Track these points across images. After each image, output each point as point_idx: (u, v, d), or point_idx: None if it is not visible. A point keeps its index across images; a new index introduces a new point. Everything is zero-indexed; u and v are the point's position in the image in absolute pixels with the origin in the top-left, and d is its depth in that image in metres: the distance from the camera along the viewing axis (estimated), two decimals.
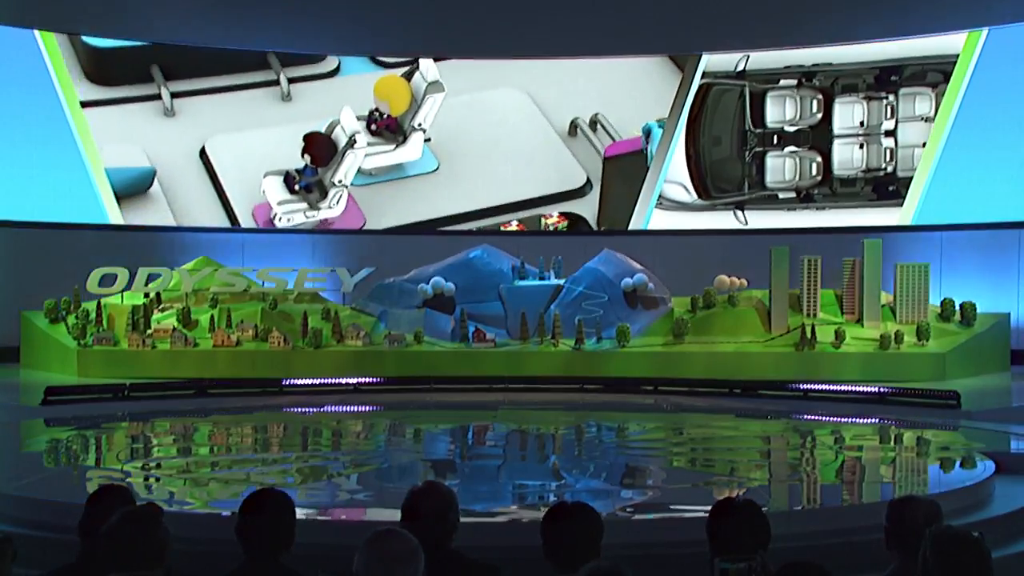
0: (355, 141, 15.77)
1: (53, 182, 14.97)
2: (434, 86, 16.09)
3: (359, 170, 15.98)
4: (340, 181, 15.81)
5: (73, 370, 12.55)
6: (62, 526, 3.56)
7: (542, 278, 13.79)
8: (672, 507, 7.23)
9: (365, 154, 15.92)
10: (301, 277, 13.54)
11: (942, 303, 13.16)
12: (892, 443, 9.97)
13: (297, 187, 15.75)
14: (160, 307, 13.23)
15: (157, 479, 8.02)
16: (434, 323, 13.13)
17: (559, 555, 3.58)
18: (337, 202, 15.81)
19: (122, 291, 13.21)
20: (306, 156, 15.74)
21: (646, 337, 12.94)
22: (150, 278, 13.33)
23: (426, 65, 16.18)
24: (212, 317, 12.94)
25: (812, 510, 7.06)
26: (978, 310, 13.07)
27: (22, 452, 9.66)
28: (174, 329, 12.73)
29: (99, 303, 12.93)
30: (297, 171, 15.81)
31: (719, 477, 8.34)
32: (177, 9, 14.94)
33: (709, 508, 3.76)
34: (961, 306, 13.06)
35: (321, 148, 15.78)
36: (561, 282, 13.58)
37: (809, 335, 12.54)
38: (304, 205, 15.77)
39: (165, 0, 15.06)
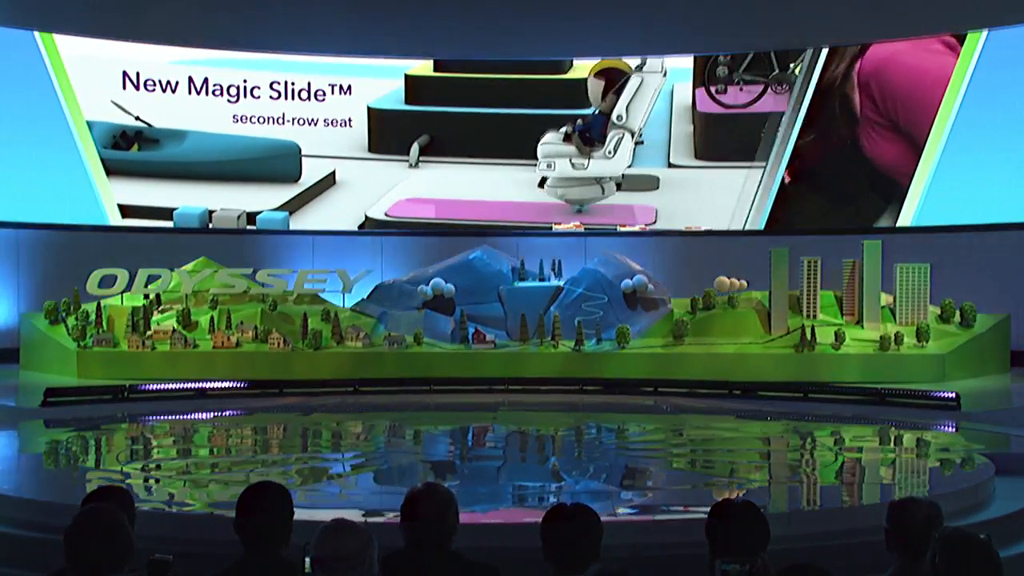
0: (643, 64, 13.12)
1: (53, 182, 14.96)
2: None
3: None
4: (620, 118, 13.49)
5: (73, 371, 12.53)
6: (62, 527, 3.55)
7: (542, 279, 13.79)
8: (672, 508, 7.23)
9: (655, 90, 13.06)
10: (301, 278, 13.53)
11: (942, 304, 13.14)
12: (892, 444, 9.96)
13: (567, 129, 13.64)
14: (160, 308, 13.22)
15: (157, 480, 8.03)
16: (434, 324, 13.12)
17: (559, 556, 3.58)
18: (616, 149, 13.38)
19: (122, 292, 13.20)
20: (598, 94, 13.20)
21: (646, 338, 12.93)
22: (150, 279, 13.31)
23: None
24: (212, 318, 12.93)
25: (812, 511, 7.06)
26: (978, 311, 13.06)
27: (22, 453, 9.66)
28: (174, 330, 12.72)
29: (99, 304, 12.92)
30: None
31: (719, 478, 8.33)
32: (178, 11, 14.92)
33: (709, 509, 3.76)
34: (961, 307, 13.05)
35: (613, 75, 13.22)
36: (561, 283, 13.58)
37: (809, 336, 12.53)
38: (571, 150, 13.73)
39: (167, 2, 15.05)
